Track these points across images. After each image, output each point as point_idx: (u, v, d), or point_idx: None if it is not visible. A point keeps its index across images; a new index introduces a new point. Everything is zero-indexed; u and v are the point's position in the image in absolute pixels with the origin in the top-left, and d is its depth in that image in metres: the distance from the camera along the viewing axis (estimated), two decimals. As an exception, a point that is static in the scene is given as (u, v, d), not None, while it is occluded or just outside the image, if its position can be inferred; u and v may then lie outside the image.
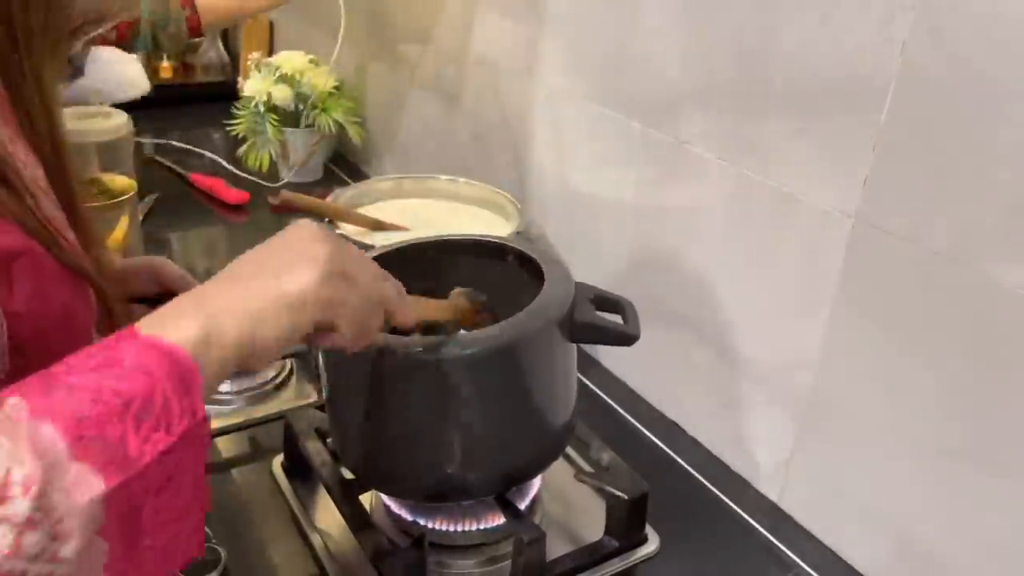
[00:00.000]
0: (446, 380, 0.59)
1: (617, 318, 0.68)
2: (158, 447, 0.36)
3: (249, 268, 0.44)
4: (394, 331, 0.61)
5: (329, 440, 0.75)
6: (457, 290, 0.64)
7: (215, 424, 0.83)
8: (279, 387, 0.90)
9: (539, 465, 0.67)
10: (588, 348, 1.00)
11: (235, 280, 0.43)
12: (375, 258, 0.68)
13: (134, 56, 1.33)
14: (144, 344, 0.38)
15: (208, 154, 1.52)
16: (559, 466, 0.79)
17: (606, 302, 0.69)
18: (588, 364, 0.98)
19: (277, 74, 1.38)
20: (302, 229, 0.46)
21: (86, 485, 0.34)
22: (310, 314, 0.43)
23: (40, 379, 0.36)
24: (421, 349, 0.58)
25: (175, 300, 0.42)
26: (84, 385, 0.35)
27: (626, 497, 0.69)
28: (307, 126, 1.39)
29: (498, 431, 0.63)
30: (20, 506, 0.32)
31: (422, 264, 0.72)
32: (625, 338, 0.66)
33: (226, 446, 0.82)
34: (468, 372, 0.59)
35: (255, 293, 0.42)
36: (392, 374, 0.60)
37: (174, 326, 0.39)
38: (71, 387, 0.35)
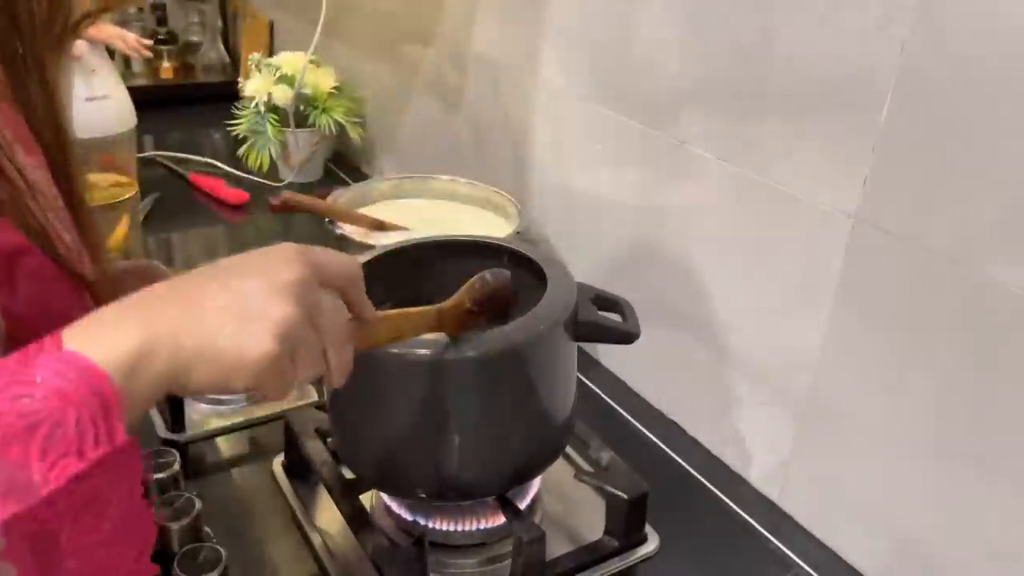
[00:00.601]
0: (454, 382, 0.59)
1: (616, 317, 0.68)
2: (67, 472, 0.34)
3: (211, 289, 0.40)
4: None
5: (329, 440, 0.75)
6: (477, 278, 0.60)
7: (215, 424, 0.83)
8: (279, 387, 0.89)
9: (541, 465, 0.68)
10: (588, 349, 1.00)
11: (192, 302, 0.40)
12: (372, 260, 0.68)
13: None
14: (64, 360, 0.35)
15: (208, 155, 1.52)
16: (559, 466, 0.79)
17: (605, 301, 0.69)
18: (588, 364, 0.98)
19: (277, 74, 1.38)
20: (279, 256, 0.42)
21: None
22: (244, 381, 0.40)
23: None
24: (429, 352, 0.58)
25: (121, 303, 0.39)
26: None
27: (626, 497, 0.69)
28: (307, 126, 1.39)
29: (503, 432, 0.63)
30: None
31: (420, 264, 0.72)
32: (626, 336, 0.67)
33: (226, 446, 0.82)
34: (477, 374, 0.59)
35: (208, 329, 0.39)
36: (399, 376, 0.60)
37: (109, 339, 0.37)
38: None
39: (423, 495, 0.65)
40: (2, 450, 0.33)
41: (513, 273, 0.70)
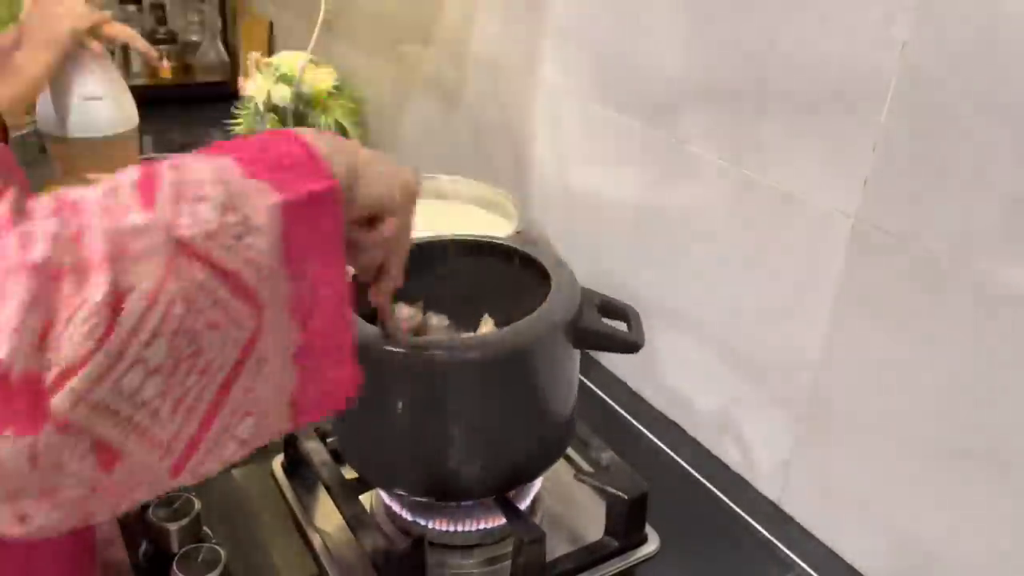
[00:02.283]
0: (451, 383, 0.60)
1: (622, 326, 0.68)
2: (309, 186, 0.41)
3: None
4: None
5: (329, 440, 0.75)
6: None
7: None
8: (279, 387, 0.89)
9: (540, 467, 0.68)
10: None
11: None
12: None
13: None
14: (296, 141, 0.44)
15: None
16: (559, 466, 0.79)
17: (611, 308, 0.69)
18: (588, 364, 0.98)
19: (277, 74, 1.38)
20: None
21: (264, 194, 0.39)
22: (403, 190, 0.50)
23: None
24: (427, 351, 0.59)
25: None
26: (244, 146, 0.42)
27: (626, 497, 0.69)
28: (307, 126, 1.39)
29: (501, 434, 0.63)
30: (216, 190, 0.37)
31: (422, 263, 0.72)
32: (629, 346, 0.66)
33: (226, 446, 0.82)
34: (473, 375, 0.60)
35: (368, 157, 0.49)
36: (400, 376, 0.60)
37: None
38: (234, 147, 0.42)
39: (423, 495, 0.65)
40: (269, 165, 0.41)
41: (519, 274, 0.70)
